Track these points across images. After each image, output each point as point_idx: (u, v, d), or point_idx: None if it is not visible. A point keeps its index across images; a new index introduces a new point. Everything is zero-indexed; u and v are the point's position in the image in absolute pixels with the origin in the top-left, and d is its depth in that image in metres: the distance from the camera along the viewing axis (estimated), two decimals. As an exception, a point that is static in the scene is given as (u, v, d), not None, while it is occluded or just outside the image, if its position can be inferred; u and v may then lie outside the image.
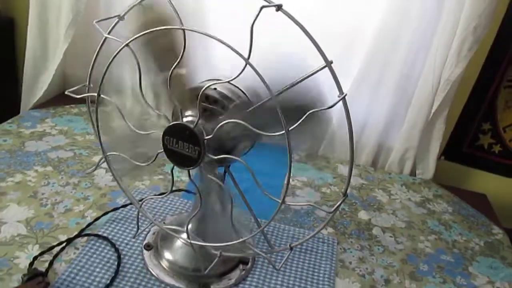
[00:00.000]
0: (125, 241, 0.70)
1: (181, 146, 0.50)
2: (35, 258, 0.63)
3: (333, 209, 0.49)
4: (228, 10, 0.89)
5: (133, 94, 1.12)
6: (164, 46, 0.50)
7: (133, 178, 0.85)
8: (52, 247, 0.66)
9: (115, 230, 0.72)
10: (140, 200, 0.65)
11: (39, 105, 1.13)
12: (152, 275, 0.64)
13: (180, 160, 0.52)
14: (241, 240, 0.55)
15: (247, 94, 0.53)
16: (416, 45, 0.97)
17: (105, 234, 0.70)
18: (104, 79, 0.52)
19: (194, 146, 0.50)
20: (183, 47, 0.46)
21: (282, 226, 0.80)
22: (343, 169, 1.06)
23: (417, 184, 1.06)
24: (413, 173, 1.12)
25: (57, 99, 1.16)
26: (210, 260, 0.58)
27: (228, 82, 0.46)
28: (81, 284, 0.61)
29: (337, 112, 1.13)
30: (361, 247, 0.79)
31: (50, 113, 1.07)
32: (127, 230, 0.72)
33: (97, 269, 0.64)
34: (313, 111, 0.42)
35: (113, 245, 0.68)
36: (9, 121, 1.00)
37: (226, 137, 0.51)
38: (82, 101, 0.57)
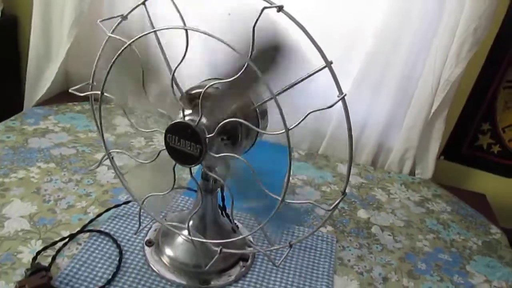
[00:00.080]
0: (127, 237, 0.71)
1: (183, 144, 0.51)
2: (38, 253, 0.64)
3: (331, 207, 0.50)
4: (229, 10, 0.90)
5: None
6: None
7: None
8: (55, 243, 0.67)
9: (117, 227, 0.73)
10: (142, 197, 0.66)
11: (42, 103, 1.14)
12: (153, 271, 0.65)
13: (182, 158, 0.52)
14: (241, 237, 0.56)
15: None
16: (417, 46, 0.98)
17: (107, 230, 0.71)
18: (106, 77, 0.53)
19: (195, 144, 0.51)
20: (186, 47, 0.46)
21: (281, 224, 0.80)
22: (343, 168, 1.06)
23: (416, 184, 1.07)
24: (412, 172, 1.12)
25: (60, 96, 1.17)
26: (210, 256, 0.59)
27: (229, 81, 0.46)
28: (83, 279, 0.62)
29: (337, 112, 1.14)
30: (359, 245, 0.80)
31: (53, 111, 1.08)
32: (129, 227, 0.73)
33: (99, 265, 0.65)
34: (313, 111, 0.43)
35: (115, 241, 0.69)
36: (12, 118, 1.01)
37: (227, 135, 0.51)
38: (85, 98, 0.58)
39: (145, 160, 0.58)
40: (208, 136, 0.50)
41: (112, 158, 0.61)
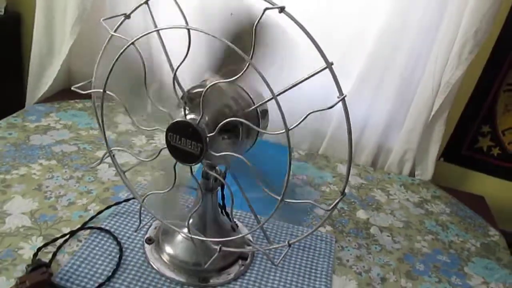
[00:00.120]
0: (127, 235, 0.71)
1: (184, 142, 0.52)
2: (39, 249, 0.65)
3: (330, 207, 0.50)
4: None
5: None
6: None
7: (135, 173, 0.87)
8: (56, 239, 0.67)
9: (117, 224, 0.73)
10: (143, 195, 0.66)
11: (44, 100, 1.14)
12: (153, 268, 0.66)
13: (183, 156, 0.53)
14: (240, 235, 0.57)
15: (249, 94, 0.54)
16: (417, 48, 0.98)
17: (107, 228, 0.72)
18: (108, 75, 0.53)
19: (196, 143, 0.51)
20: (188, 47, 0.47)
21: (281, 223, 0.81)
22: (343, 169, 1.07)
23: (415, 185, 1.07)
24: (412, 174, 1.13)
25: (62, 94, 1.18)
26: (210, 255, 0.59)
27: (230, 81, 0.47)
28: (84, 275, 0.62)
29: (337, 113, 1.14)
30: (358, 245, 0.80)
31: (54, 108, 1.08)
32: (129, 224, 0.73)
33: (99, 262, 0.65)
34: (313, 112, 0.44)
35: (115, 238, 0.70)
36: (14, 114, 1.02)
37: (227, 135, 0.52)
38: (86, 96, 0.58)
39: (146, 158, 0.59)
40: (209, 135, 0.51)
41: (113, 156, 0.61)
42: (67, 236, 0.68)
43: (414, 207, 0.97)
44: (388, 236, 0.85)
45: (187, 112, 0.52)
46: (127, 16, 0.52)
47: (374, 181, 1.05)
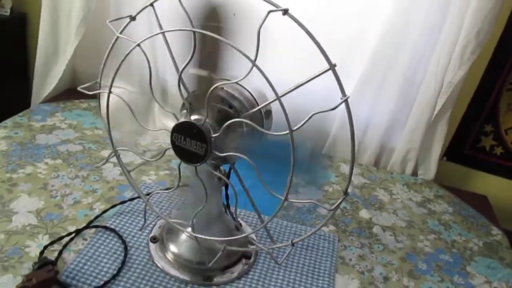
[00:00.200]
0: (132, 234, 0.72)
1: (189, 143, 0.52)
2: (45, 247, 0.65)
3: (333, 206, 0.51)
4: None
5: (141, 89, 1.14)
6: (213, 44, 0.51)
7: (140, 173, 0.87)
8: (62, 237, 0.68)
9: (122, 223, 0.74)
10: (148, 194, 0.67)
11: (49, 99, 1.15)
12: (158, 267, 0.67)
13: (188, 157, 0.53)
14: (244, 235, 0.57)
15: (253, 95, 0.55)
16: (420, 48, 0.98)
17: (112, 226, 0.72)
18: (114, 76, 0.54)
19: (201, 144, 0.52)
20: (193, 49, 0.47)
21: (284, 222, 0.81)
22: (346, 168, 1.07)
23: (418, 184, 1.07)
24: (415, 173, 1.13)
25: (67, 93, 1.19)
26: (214, 253, 0.60)
27: (235, 82, 0.47)
28: (89, 273, 0.63)
29: (340, 113, 1.15)
30: (361, 245, 0.81)
31: (60, 107, 1.09)
32: (134, 223, 0.74)
33: (105, 260, 0.66)
34: (317, 113, 0.44)
35: (120, 237, 0.70)
36: (20, 114, 1.03)
37: (232, 135, 0.52)
38: (91, 96, 0.58)
39: (151, 157, 0.59)
40: (213, 135, 0.51)
41: (119, 155, 0.62)
42: (73, 235, 0.69)
43: (416, 207, 0.97)
44: (390, 235, 0.85)
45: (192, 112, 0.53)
46: (133, 18, 0.53)
47: (377, 180, 1.05)
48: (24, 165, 0.84)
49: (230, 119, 0.50)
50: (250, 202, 0.59)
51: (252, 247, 0.70)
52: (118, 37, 0.52)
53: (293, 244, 0.56)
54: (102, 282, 0.62)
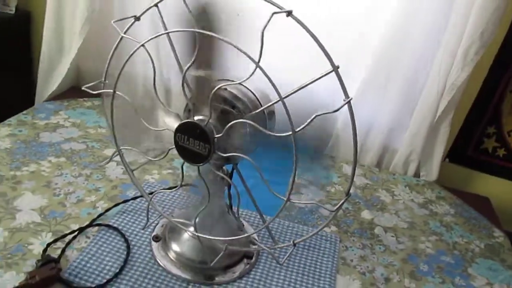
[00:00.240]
0: (134, 232, 0.72)
1: (192, 143, 0.53)
2: (48, 245, 0.66)
3: (335, 208, 0.51)
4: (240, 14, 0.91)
5: (145, 89, 1.15)
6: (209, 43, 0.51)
7: (143, 172, 0.88)
8: (65, 235, 0.68)
9: (125, 221, 0.74)
10: (150, 193, 0.68)
11: (53, 98, 1.16)
12: (160, 265, 0.67)
13: (191, 157, 0.54)
14: (246, 235, 0.58)
15: (256, 95, 0.55)
16: (423, 49, 0.98)
17: (115, 225, 0.73)
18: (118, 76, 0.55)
19: (204, 144, 0.52)
20: (196, 49, 0.48)
21: (286, 222, 0.82)
22: (348, 169, 1.07)
23: (420, 186, 1.07)
24: (417, 174, 1.13)
25: (71, 92, 1.19)
26: (215, 253, 0.60)
27: (239, 83, 0.48)
28: (92, 271, 0.63)
29: (342, 115, 1.15)
30: (362, 245, 0.81)
31: (63, 106, 1.10)
32: (137, 222, 0.74)
33: (107, 258, 0.66)
34: (319, 114, 0.44)
35: (122, 235, 0.71)
36: (24, 112, 1.03)
37: (234, 135, 0.53)
38: (95, 94, 0.59)
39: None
40: (216, 136, 0.52)
41: (122, 154, 0.62)
42: (76, 233, 0.69)
43: (418, 208, 0.98)
44: (392, 236, 0.86)
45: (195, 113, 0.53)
46: (137, 18, 0.53)
47: (379, 181, 1.06)
48: (28, 163, 0.84)
49: (233, 120, 0.50)
50: (252, 202, 0.59)
51: (254, 247, 0.70)
52: (122, 37, 0.53)
53: (294, 245, 0.57)
54: (104, 280, 0.62)
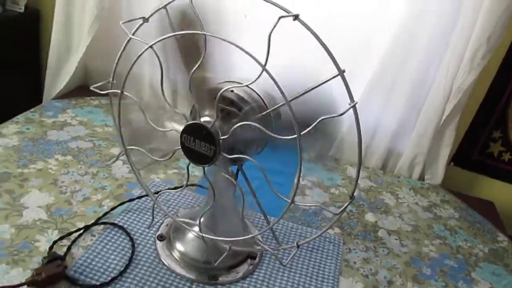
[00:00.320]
0: (140, 231, 0.73)
1: (198, 144, 0.53)
2: (54, 242, 0.67)
3: (339, 211, 0.51)
4: (248, 17, 0.91)
5: (151, 89, 1.15)
6: (193, 49, 0.52)
7: (149, 171, 0.89)
8: (71, 233, 0.69)
9: (130, 220, 0.75)
10: (156, 193, 0.68)
11: (61, 96, 1.17)
12: (164, 264, 0.67)
13: (196, 158, 0.54)
14: (250, 236, 0.58)
15: (262, 98, 0.56)
16: (429, 53, 0.98)
17: (120, 223, 0.73)
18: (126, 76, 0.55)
19: (210, 145, 0.52)
20: (204, 51, 0.48)
21: (290, 224, 0.82)
22: (352, 171, 1.07)
23: (425, 189, 1.07)
24: (422, 178, 1.13)
25: (78, 90, 1.20)
26: (219, 253, 0.61)
27: (246, 86, 0.48)
28: (97, 269, 0.64)
29: (347, 118, 1.15)
30: (366, 248, 0.81)
31: (71, 104, 1.11)
32: (142, 221, 0.75)
33: (112, 256, 0.67)
34: (325, 118, 0.45)
35: (128, 234, 0.71)
36: (32, 110, 1.04)
37: (240, 137, 0.53)
38: (102, 93, 0.59)
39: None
40: (222, 137, 0.52)
41: (129, 154, 0.63)
42: (82, 231, 0.70)
43: (422, 211, 0.98)
44: (396, 239, 0.86)
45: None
46: (146, 20, 0.53)
47: (383, 184, 1.06)
48: (35, 161, 0.85)
49: (239, 122, 0.51)
50: (256, 203, 0.60)
51: (257, 247, 0.71)
52: (130, 38, 0.53)
53: (298, 246, 0.57)
54: (109, 278, 0.63)
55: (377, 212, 0.93)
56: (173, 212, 0.79)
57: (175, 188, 0.85)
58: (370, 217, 0.91)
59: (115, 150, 0.94)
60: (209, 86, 0.56)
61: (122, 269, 0.65)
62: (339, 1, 0.99)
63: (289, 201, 0.52)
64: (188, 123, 0.53)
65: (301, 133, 0.46)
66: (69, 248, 0.67)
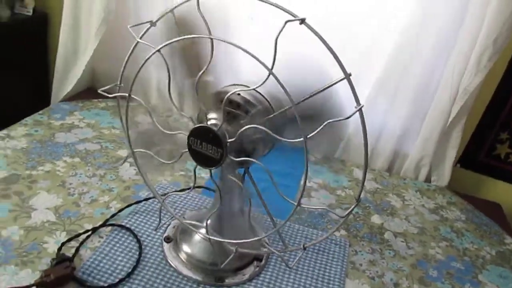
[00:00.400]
0: (147, 233, 0.73)
1: (205, 147, 0.54)
2: (63, 244, 0.67)
3: (345, 213, 0.52)
4: (255, 22, 0.92)
5: (158, 92, 1.16)
6: (195, 53, 0.53)
7: (156, 173, 0.89)
8: (79, 235, 0.70)
9: (138, 222, 0.75)
10: (163, 195, 0.69)
11: (68, 98, 1.18)
12: (171, 266, 0.68)
13: (203, 160, 0.55)
14: (257, 238, 0.58)
15: (268, 100, 0.56)
16: (436, 55, 0.98)
17: (128, 225, 0.74)
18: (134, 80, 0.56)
19: (217, 148, 0.53)
20: (210, 56, 0.49)
21: (296, 226, 0.82)
22: (359, 173, 1.07)
23: (431, 191, 1.07)
24: (428, 179, 1.13)
25: (86, 93, 1.21)
26: (226, 255, 0.61)
27: (253, 89, 0.48)
28: (105, 270, 0.65)
29: (353, 120, 1.15)
30: (372, 250, 0.81)
31: (78, 106, 1.11)
32: (149, 222, 0.76)
33: (120, 258, 0.67)
34: (331, 121, 0.45)
35: (135, 236, 0.72)
36: (40, 112, 1.05)
37: (247, 140, 0.54)
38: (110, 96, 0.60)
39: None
40: (229, 140, 0.52)
41: (136, 157, 0.63)
42: (90, 232, 0.71)
43: (429, 213, 0.97)
44: (402, 241, 0.86)
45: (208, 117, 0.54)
46: (153, 24, 0.54)
47: (390, 186, 1.05)
48: (43, 163, 0.86)
49: (246, 125, 0.51)
50: (263, 205, 0.60)
51: (264, 250, 0.71)
52: (138, 42, 0.54)
53: (304, 248, 0.57)
54: (117, 280, 0.63)
55: (383, 214, 0.93)
56: (180, 214, 0.79)
57: (182, 190, 0.85)
58: (376, 219, 0.91)
59: (122, 152, 0.95)
60: (215, 90, 0.56)
61: (129, 270, 0.65)
62: (344, 4, 0.99)
63: (296, 203, 0.52)
64: (195, 126, 0.54)
65: (308, 136, 0.46)
66: (77, 249, 0.67)
